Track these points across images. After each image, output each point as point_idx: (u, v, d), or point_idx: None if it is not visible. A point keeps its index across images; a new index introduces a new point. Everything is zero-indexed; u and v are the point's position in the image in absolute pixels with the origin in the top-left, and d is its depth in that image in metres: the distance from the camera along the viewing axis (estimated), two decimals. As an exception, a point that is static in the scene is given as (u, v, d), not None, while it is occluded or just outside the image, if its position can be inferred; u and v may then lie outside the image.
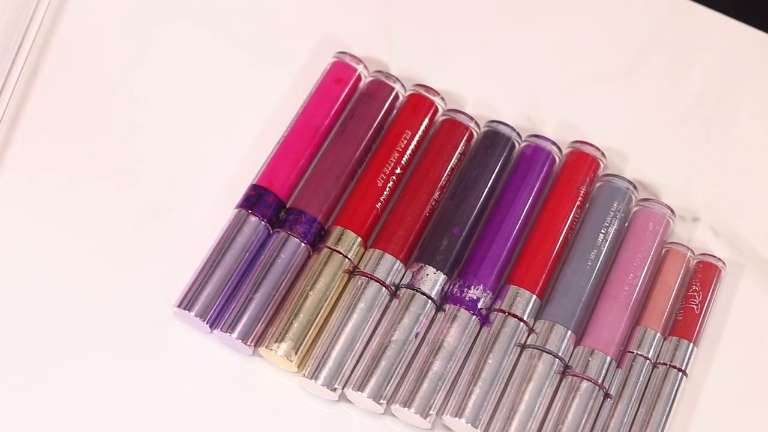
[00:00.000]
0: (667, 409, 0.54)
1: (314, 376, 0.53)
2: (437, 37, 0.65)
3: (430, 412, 0.53)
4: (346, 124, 0.59)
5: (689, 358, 0.56)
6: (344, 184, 0.58)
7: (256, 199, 0.56)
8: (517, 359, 0.55)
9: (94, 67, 0.61)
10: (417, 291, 0.55)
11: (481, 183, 0.58)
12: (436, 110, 0.61)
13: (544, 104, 0.63)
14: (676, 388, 0.55)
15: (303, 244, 0.56)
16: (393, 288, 0.56)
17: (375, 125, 0.59)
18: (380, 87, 0.60)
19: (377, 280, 0.55)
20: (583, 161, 0.59)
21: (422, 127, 0.60)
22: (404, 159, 0.59)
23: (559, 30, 0.66)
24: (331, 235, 0.56)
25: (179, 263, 0.56)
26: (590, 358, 0.55)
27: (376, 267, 0.55)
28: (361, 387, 0.53)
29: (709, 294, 0.57)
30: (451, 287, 0.56)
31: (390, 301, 0.56)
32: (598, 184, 0.60)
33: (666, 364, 0.55)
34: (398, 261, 0.56)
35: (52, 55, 0.61)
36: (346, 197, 0.58)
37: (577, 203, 0.58)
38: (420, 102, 0.60)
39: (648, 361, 0.55)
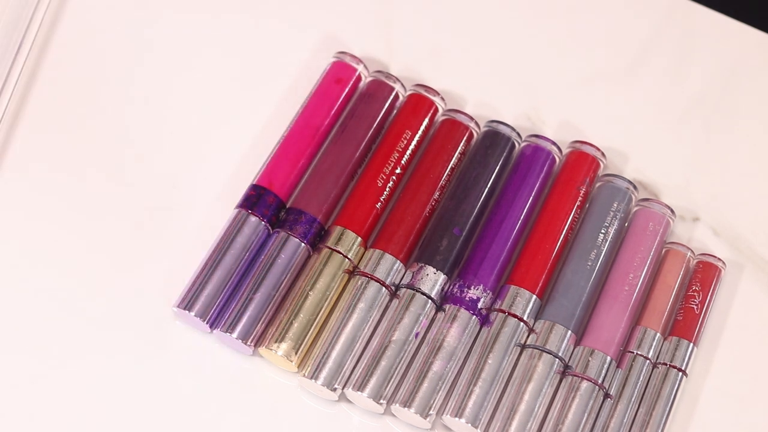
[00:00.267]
0: (667, 409, 0.54)
1: (314, 376, 0.53)
2: (437, 37, 0.65)
3: (430, 412, 0.53)
4: (346, 124, 0.59)
5: (689, 358, 0.56)
6: (344, 184, 0.58)
7: (256, 199, 0.56)
8: (517, 359, 0.55)
9: (94, 67, 0.61)
10: (417, 291, 0.55)
11: (481, 183, 0.58)
12: (436, 110, 0.61)
13: (544, 104, 0.63)
14: (676, 388, 0.55)
15: (303, 244, 0.56)
16: (393, 288, 0.56)
17: (375, 125, 0.59)
18: (380, 87, 0.60)
19: (377, 280, 0.55)
20: (583, 161, 0.59)
21: (422, 127, 0.60)
22: (404, 159, 0.59)
23: (559, 30, 0.66)
24: (331, 235, 0.56)
25: (179, 263, 0.56)
26: (590, 358, 0.55)
27: (376, 267, 0.55)
28: (361, 387, 0.53)
29: (709, 294, 0.57)
30: (451, 287, 0.56)
31: (390, 301, 0.56)
32: (598, 184, 0.60)
33: (666, 364, 0.55)
34: (398, 261, 0.56)
35: (52, 55, 0.61)
36: (346, 197, 0.58)
37: (577, 203, 0.58)
38: (420, 102, 0.60)
39: (648, 361, 0.55)
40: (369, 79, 0.61)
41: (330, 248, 0.56)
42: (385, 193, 0.58)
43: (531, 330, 0.56)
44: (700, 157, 0.63)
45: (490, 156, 0.59)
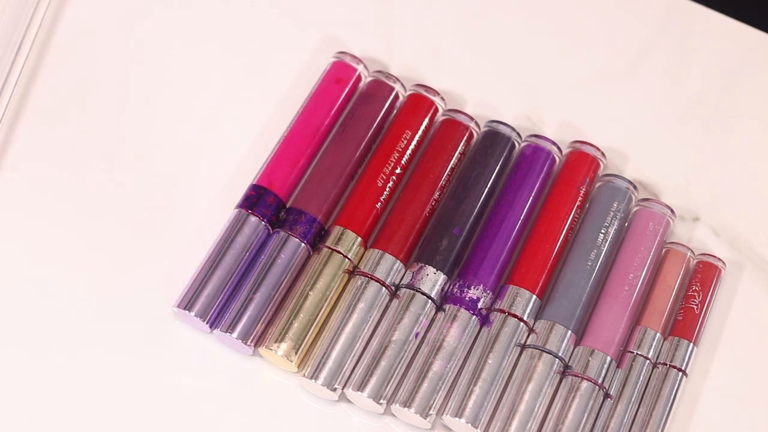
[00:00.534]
0: (667, 409, 0.54)
1: (314, 376, 0.53)
2: (437, 37, 0.65)
3: (430, 412, 0.53)
4: (346, 124, 0.59)
5: (689, 358, 0.56)
6: (344, 184, 0.58)
7: (256, 199, 0.56)
8: (517, 359, 0.55)
9: (94, 67, 0.61)
10: (417, 291, 0.55)
11: (481, 183, 0.58)
12: (436, 110, 0.61)
13: (544, 104, 0.63)
14: (676, 388, 0.55)
15: (303, 244, 0.56)
16: (393, 288, 0.56)
17: (375, 125, 0.59)
18: (380, 87, 0.60)
19: (377, 280, 0.55)
20: (583, 161, 0.59)
21: (422, 127, 0.60)
22: (404, 159, 0.59)
23: (559, 30, 0.66)
24: (331, 235, 0.56)
25: (179, 263, 0.56)
26: (590, 358, 0.55)
27: (376, 267, 0.55)
28: (361, 387, 0.53)
29: (709, 294, 0.57)
30: (451, 287, 0.56)
31: (390, 301, 0.56)
32: (598, 184, 0.60)
33: (666, 364, 0.55)
34: (398, 261, 0.56)
35: (52, 55, 0.61)
36: (346, 197, 0.58)
37: (577, 203, 0.58)
38: (420, 102, 0.60)
39: (648, 361, 0.55)
40: (369, 79, 0.61)
41: (330, 248, 0.56)
42: (385, 193, 0.58)
43: (531, 330, 0.56)
44: (700, 157, 0.63)
45: (490, 156, 0.59)
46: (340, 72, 0.61)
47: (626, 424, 0.54)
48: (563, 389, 0.55)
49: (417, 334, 0.55)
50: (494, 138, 0.60)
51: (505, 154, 0.59)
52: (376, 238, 0.57)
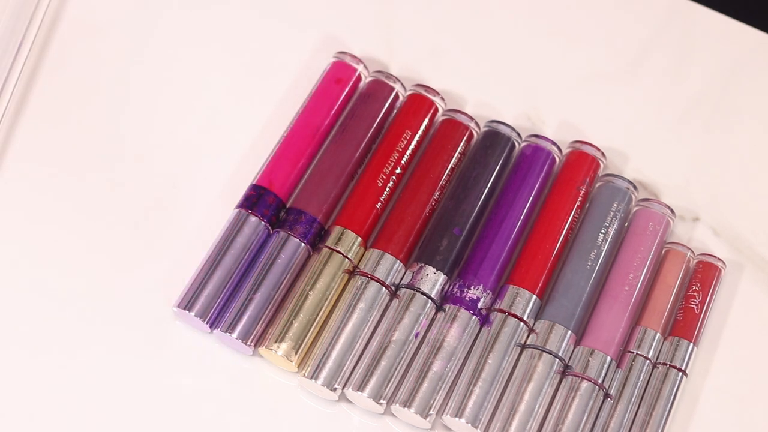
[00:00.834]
0: (667, 409, 0.54)
1: (314, 376, 0.53)
2: (437, 37, 0.65)
3: (430, 412, 0.53)
4: (346, 124, 0.59)
5: (689, 358, 0.56)
6: (344, 184, 0.58)
7: (256, 199, 0.56)
8: (517, 359, 0.55)
9: (94, 67, 0.61)
10: (417, 291, 0.55)
11: (481, 183, 0.58)
12: (436, 110, 0.61)
13: (544, 104, 0.63)
14: (676, 388, 0.55)
15: (303, 244, 0.56)
16: (393, 288, 0.56)
17: (375, 125, 0.59)
18: (380, 87, 0.60)
19: (377, 280, 0.55)
20: (583, 161, 0.59)
21: (422, 127, 0.60)
22: (404, 159, 0.59)
23: (559, 30, 0.66)
24: (331, 235, 0.56)
25: (179, 263, 0.56)
26: (590, 358, 0.55)
27: (376, 267, 0.55)
28: (361, 387, 0.53)
29: (709, 294, 0.57)
30: (451, 287, 0.56)
31: (390, 301, 0.56)
32: (598, 184, 0.60)
33: (666, 364, 0.55)
34: (398, 261, 0.56)
35: (52, 55, 0.61)
36: (346, 197, 0.58)
37: (577, 203, 0.58)
38: (420, 102, 0.60)
39: (648, 361, 0.55)
40: (369, 79, 0.61)
41: (330, 248, 0.56)
42: (385, 193, 0.58)
43: (531, 330, 0.56)
44: (700, 157, 0.63)
45: (490, 156, 0.59)
46: (340, 72, 0.61)
47: (626, 424, 0.54)
48: (563, 389, 0.55)
49: (417, 334, 0.55)
50: (494, 138, 0.60)
51: (505, 154, 0.59)
52: (376, 238, 0.57)
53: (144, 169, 0.59)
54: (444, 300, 0.56)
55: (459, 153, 0.59)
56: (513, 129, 0.60)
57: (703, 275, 0.58)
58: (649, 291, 0.57)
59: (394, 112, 0.61)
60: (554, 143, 0.60)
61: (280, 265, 0.55)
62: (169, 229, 0.57)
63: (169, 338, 0.55)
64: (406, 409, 0.53)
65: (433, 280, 0.55)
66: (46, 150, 0.59)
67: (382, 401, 0.53)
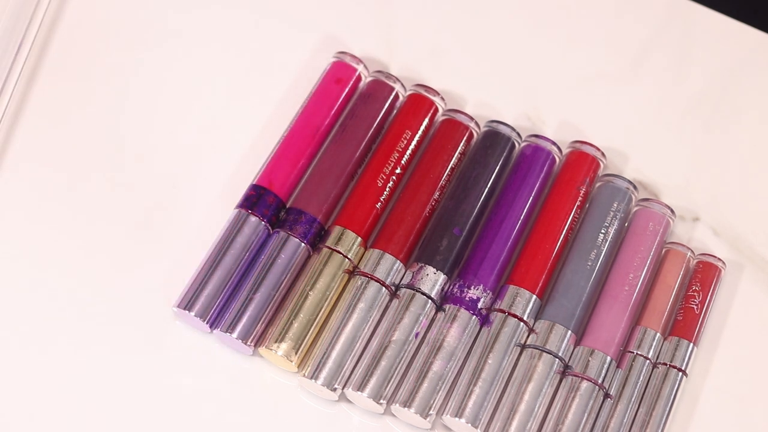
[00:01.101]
0: (667, 409, 0.54)
1: (314, 376, 0.53)
2: (437, 37, 0.65)
3: (430, 412, 0.53)
4: (346, 124, 0.59)
5: (689, 358, 0.56)
6: (344, 184, 0.58)
7: (256, 199, 0.56)
8: (517, 359, 0.55)
9: (94, 67, 0.61)
10: (417, 291, 0.55)
11: (481, 183, 0.58)
12: (436, 110, 0.61)
13: (544, 104, 0.63)
14: (676, 388, 0.55)
15: (303, 244, 0.56)
16: (393, 288, 0.56)
17: (375, 125, 0.59)
18: (380, 87, 0.60)
19: (377, 280, 0.55)
20: (583, 161, 0.59)
21: (422, 127, 0.60)
22: (404, 159, 0.59)
23: (559, 30, 0.66)
24: (331, 235, 0.56)
25: (179, 263, 0.56)
26: (590, 358, 0.55)
27: (376, 267, 0.55)
28: (361, 387, 0.53)
29: (709, 294, 0.57)
30: (451, 287, 0.56)
31: (390, 301, 0.56)
32: (598, 184, 0.60)
33: (666, 364, 0.55)
34: (398, 261, 0.56)
35: (52, 54, 0.61)
36: (346, 197, 0.58)
37: (577, 203, 0.58)
38: (420, 102, 0.60)
39: (648, 361, 0.55)
40: (369, 79, 0.61)
41: (330, 248, 0.56)
42: (385, 193, 0.58)
43: (531, 330, 0.56)
44: (700, 157, 0.63)
45: (490, 156, 0.59)
46: (340, 72, 0.61)
47: (626, 424, 0.54)
48: (563, 389, 0.55)
49: (417, 334, 0.55)
50: (494, 138, 0.60)
51: (505, 154, 0.59)
52: (376, 238, 0.57)
53: (144, 169, 0.59)
54: (444, 300, 0.56)
55: (459, 153, 0.59)
56: (513, 129, 0.60)
57: (703, 275, 0.58)
58: (649, 291, 0.57)
59: (394, 112, 0.61)
60: (554, 143, 0.60)
61: (280, 265, 0.55)
62: (169, 229, 0.57)
63: (169, 338, 0.55)
64: (406, 409, 0.53)
65: (433, 280, 0.55)
66: (46, 150, 0.59)
67: (382, 401, 0.53)
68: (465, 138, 0.60)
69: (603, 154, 0.60)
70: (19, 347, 0.54)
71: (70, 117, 0.60)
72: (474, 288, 0.55)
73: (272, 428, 0.54)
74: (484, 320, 0.56)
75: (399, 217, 0.57)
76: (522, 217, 0.58)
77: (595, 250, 0.57)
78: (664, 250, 0.59)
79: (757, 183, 0.63)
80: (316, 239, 0.56)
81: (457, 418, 0.53)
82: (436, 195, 0.58)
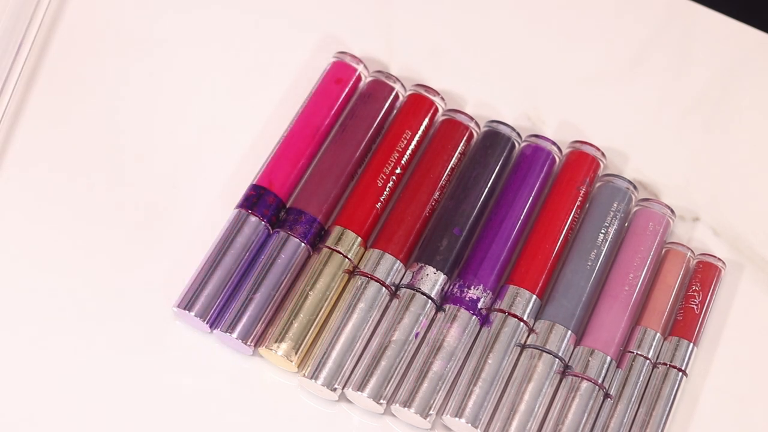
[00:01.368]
0: (667, 409, 0.54)
1: (314, 376, 0.53)
2: (437, 37, 0.65)
3: (430, 412, 0.53)
4: (346, 124, 0.59)
5: (689, 358, 0.56)
6: (344, 184, 0.58)
7: (256, 199, 0.56)
8: (517, 359, 0.55)
9: (94, 67, 0.61)
10: (417, 291, 0.55)
11: (481, 183, 0.58)
12: (436, 110, 0.61)
13: (544, 104, 0.63)
14: (676, 388, 0.55)
15: (303, 244, 0.56)
16: (393, 288, 0.56)
17: (375, 125, 0.59)
18: (380, 87, 0.60)
19: (377, 280, 0.55)
20: (583, 161, 0.59)
21: (422, 127, 0.60)
22: (404, 159, 0.59)
23: (559, 30, 0.66)
24: (331, 235, 0.56)
25: (179, 263, 0.56)
26: (590, 358, 0.55)
27: (376, 267, 0.55)
28: (361, 387, 0.53)
29: (709, 294, 0.57)
30: (451, 287, 0.56)
31: (390, 301, 0.56)
32: (598, 184, 0.60)
33: (666, 364, 0.55)
34: (398, 261, 0.56)
35: (52, 55, 0.61)
36: (346, 197, 0.58)
37: (577, 203, 0.58)
38: (420, 102, 0.60)
39: (648, 361, 0.55)
40: (369, 79, 0.61)
41: (330, 248, 0.56)
42: (385, 193, 0.58)
43: (531, 330, 0.56)
44: (700, 157, 0.63)
45: (490, 156, 0.59)
46: (340, 72, 0.61)
47: (626, 424, 0.54)
48: (563, 389, 0.55)
49: (417, 334, 0.55)
50: (494, 138, 0.60)
51: (505, 154, 0.59)
52: (376, 238, 0.57)
53: (144, 169, 0.59)
54: (444, 300, 0.56)
55: (459, 153, 0.59)
56: (513, 129, 0.60)
57: (703, 275, 0.58)
58: (649, 291, 0.57)
59: (394, 112, 0.61)
60: (554, 143, 0.60)
61: (280, 265, 0.55)
62: (169, 229, 0.57)
63: (169, 338, 0.55)
64: (406, 409, 0.53)
65: (433, 280, 0.55)
66: (46, 150, 0.59)
67: (382, 401, 0.53)
68: (465, 138, 0.60)
69: (603, 154, 0.60)
70: (19, 347, 0.54)
71: (70, 117, 0.60)
72: (474, 288, 0.55)
73: (272, 428, 0.54)
74: (484, 320, 0.56)
75: (399, 217, 0.57)
76: (522, 217, 0.58)
77: (595, 250, 0.57)
78: (664, 250, 0.59)
79: (757, 183, 0.63)
80: (316, 239, 0.56)
81: (457, 418, 0.53)
82: (436, 195, 0.58)
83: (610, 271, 0.57)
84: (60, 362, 0.54)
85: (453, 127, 0.60)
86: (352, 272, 0.56)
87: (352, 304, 0.55)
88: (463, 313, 0.55)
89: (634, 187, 0.59)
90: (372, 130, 0.59)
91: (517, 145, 0.60)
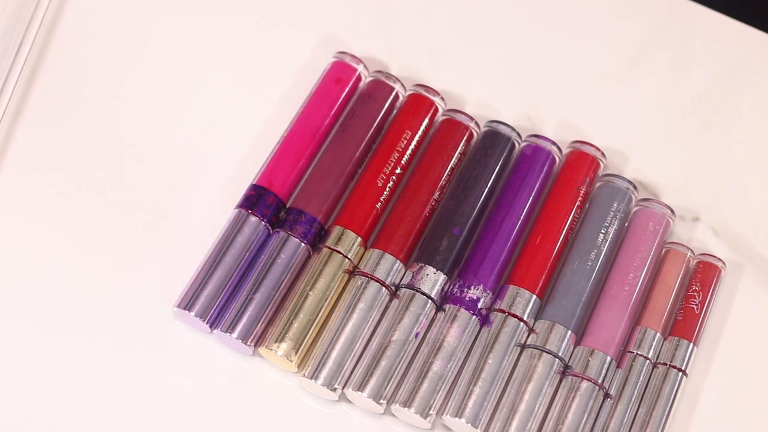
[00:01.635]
0: (667, 409, 0.54)
1: (314, 376, 0.53)
2: (437, 37, 0.65)
3: (430, 412, 0.53)
4: (346, 124, 0.59)
5: (689, 358, 0.56)
6: (344, 184, 0.58)
7: (256, 199, 0.56)
8: (517, 359, 0.55)
9: (95, 67, 0.61)
10: (417, 291, 0.55)
11: (481, 183, 0.58)
12: (436, 110, 0.61)
13: (544, 104, 0.63)
14: (676, 388, 0.55)
15: (303, 244, 0.56)
16: (393, 288, 0.56)
17: (375, 125, 0.59)
18: (380, 87, 0.60)
19: (377, 280, 0.55)
20: (583, 161, 0.59)
21: (422, 127, 0.60)
22: (404, 159, 0.59)
23: (559, 30, 0.66)
24: (331, 235, 0.56)
25: (179, 263, 0.56)
26: (590, 358, 0.55)
27: (376, 267, 0.55)
28: (361, 387, 0.53)
29: (709, 294, 0.57)
30: (451, 287, 0.56)
31: (390, 301, 0.56)
32: (598, 184, 0.60)
33: (666, 364, 0.55)
34: (398, 261, 0.56)
35: (52, 55, 0.61)
36: (346, 197, 0.58)
37: (577, 203, 0.58)
38: (420, 102, 0.60)
39: (648, 361, 0.55)
40: (369, 79, 0.61)
41: (330, 248, 0.56)
42: (385, 193, 0.58)
43: (531, 330, 0.56)
44: (700, 157, 0.63)
45: (490, 156, 0.59)
46: (340, 72, 0.61)
47: (626, 424, 0.54)
48: (563, 389, 0.55)
49: (417, 334, 0.55)
50: (494, 138, 0.60)
51: (505, 154, 0.59)
52: (376, 238, 0.57)
53: (144, 169, 0.59)
54: (444, 300, 0.56)
55: (459, 153, 0.59)
56: (513, 129, 0.60)
57: (703, 275, 0.58)
58: (649, 291, 0.57)
59: (394, 112, 0.61)
60: (554, 143, 0.60)
61: (280, 265, 0.55)
62: (169, 229, 0.57)
63: (169, 338, 0.55)
64: (406, 409, 0.53)
65: (433, 280, 0.55)
66: (46, 150, 0.59)
67: (382, 401, 0.53)
68: (465, 138, 0.60)
69: (603, 154, 0.60)
70: (19, 347, 0.54)
71: (70, 117, 0.60)
72: (474, 288, 0.55)
73: (272, 428, 0.54)
74: (484, 320, 0.56)
75: (399, 217, 0.57)
76: (522, 217, 0.58)
77: (595, 250, 0.57)
78: (664, 250, 0.59)
79: (757, 183, 0.63)
80: (316, 239, 0.56)
81: (457, 418, 0.53)
82: (436, 195, 0.58)
83: (610, 271, 0.57)
84: (60, 362, 0.54)
85: (453, 127, 0.60)
86: (352, 272, 0.56)
87: (352, 304, 0.55)
88: (463, 313, 0.55)
89: (634, 187, 0.59)
90: (372, 130, 0.59)
91: (517, 145, 0.60)
